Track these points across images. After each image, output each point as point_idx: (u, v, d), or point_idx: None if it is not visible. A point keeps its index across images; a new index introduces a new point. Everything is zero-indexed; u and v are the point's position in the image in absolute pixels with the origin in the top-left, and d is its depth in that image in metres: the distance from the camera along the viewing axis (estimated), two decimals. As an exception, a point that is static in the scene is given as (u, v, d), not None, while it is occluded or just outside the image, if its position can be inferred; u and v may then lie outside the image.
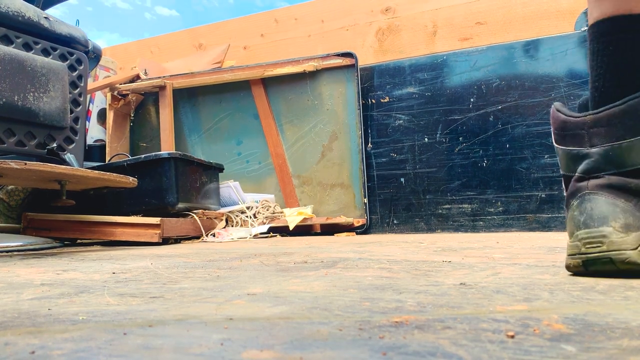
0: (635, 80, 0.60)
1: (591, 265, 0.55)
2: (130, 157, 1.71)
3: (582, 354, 0.28)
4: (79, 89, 1.51)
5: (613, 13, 0.63)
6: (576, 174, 0.59)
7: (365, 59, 2.14)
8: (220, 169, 1.95)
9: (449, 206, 1.83)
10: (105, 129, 2.42)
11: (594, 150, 0.57)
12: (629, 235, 0.54)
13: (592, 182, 0.57)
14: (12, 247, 1.43)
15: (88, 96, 2.32)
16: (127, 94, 2.37)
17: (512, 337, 0.31)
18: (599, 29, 0.64)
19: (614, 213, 0.55)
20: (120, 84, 2.36)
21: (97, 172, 1.35)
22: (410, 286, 0.52)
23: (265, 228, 1.80)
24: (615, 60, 0.63)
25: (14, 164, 1.13)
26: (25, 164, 1.15)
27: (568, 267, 0.58)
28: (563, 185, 0.63)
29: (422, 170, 1.88)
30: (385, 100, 1.97)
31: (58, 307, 0.46)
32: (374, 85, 2.00)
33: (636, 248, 0.54)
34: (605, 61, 0.63)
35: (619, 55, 0.62)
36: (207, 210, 1.78)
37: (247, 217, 1.90)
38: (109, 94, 2.38)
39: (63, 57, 1.47)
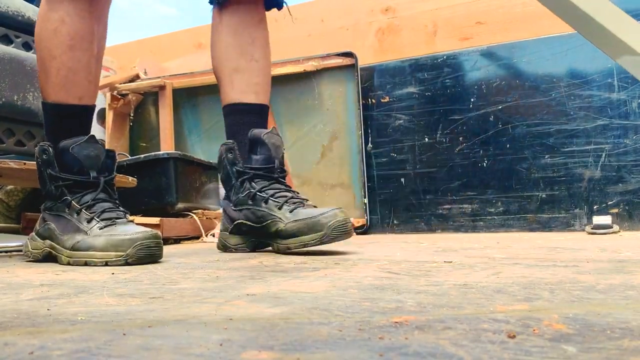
0: None
1: None
2: (130, 157, 1.71)
3: (582, 354, 0.27)
4: (78, 89, 1.51)
5: None
6: None
7: (365, 59, 2.14)
8: (220, 168, 1.94)
9: (449, 206, 1.83)
10: (105, 128, 2.42)
11: None
12: None
13: None
14: (11, 247, 1.42)
15: (88, 96, 2.31)
16: (127, 94, 2.37)
17: (513, 337, 0.31)
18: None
19: None
20: (120, 84, 2.36)
21: (96, 172, 1.34)
22: (410, 286, 0.52)
23: (265, 228, 1.80)
24: None
25: (13, 164, 1.13)
26: (25, 163, 1.15)
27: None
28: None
29: (423, 170, 1.88)
30: (386, 100, 1.97)
31: (57, 308, 0.46)
32: (374, 85, 2.00)
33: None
34: None
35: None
36: (206, 211, 1.78)
37: (247, 217, 1.89)
38: (108, 94, 2.37)
39: (63, 57, 1.46)
